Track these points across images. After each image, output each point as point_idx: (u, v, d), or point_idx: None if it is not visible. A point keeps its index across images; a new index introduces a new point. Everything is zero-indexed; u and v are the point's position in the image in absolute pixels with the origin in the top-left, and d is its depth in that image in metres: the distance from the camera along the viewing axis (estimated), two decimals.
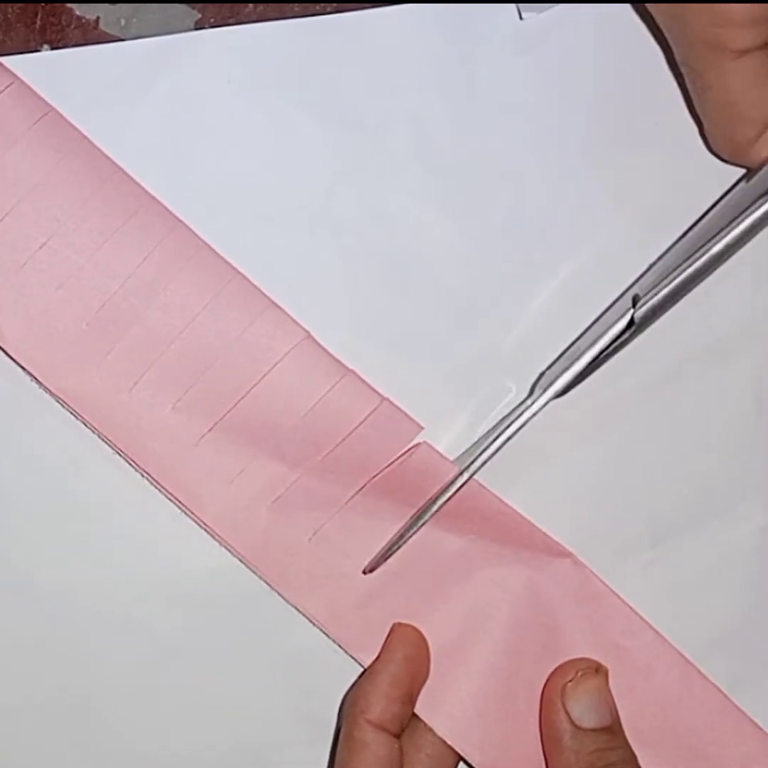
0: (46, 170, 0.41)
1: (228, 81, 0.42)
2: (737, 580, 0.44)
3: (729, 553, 0.44)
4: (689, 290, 0.40)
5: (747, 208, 0.39)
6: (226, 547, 0.42)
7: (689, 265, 0.39)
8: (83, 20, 0.43)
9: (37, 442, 0.43)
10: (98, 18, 0.43)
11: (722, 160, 0.41)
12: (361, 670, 0.43)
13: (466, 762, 0.42)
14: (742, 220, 0.39)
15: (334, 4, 0.43)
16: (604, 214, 0.43)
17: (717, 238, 0.39)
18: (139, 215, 0.41)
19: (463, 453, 0.42)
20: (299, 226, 0.43)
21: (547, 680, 0.42)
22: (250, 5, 0.43)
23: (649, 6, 0.40)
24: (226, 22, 0.43)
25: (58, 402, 0.42)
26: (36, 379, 0.41)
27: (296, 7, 0.42)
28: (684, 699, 0.43)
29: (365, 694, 0.41)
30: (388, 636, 0.42)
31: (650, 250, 0.42)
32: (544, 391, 0.40)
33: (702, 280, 0.39)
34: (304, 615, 0.43)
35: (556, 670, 0.42)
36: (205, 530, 0.42)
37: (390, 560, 0.42)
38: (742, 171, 0.42)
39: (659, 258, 0.42)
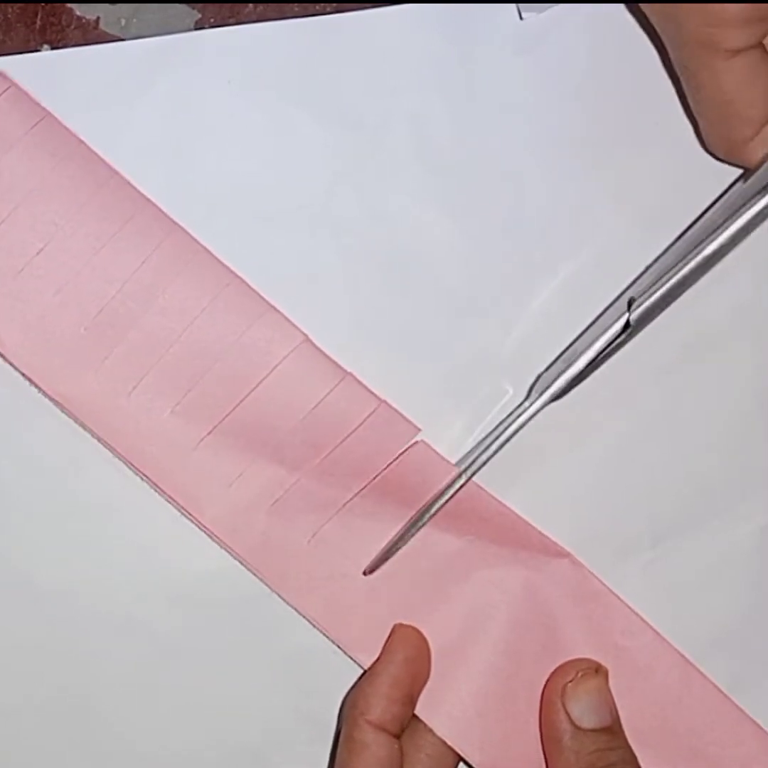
0: (42, 175, 0.41)
1: (228, 81, 0.42)
2: (737, 580, 0.44)
3: (729, 553, 0.44)
4: (684, 291, 0.40)
5: (740, 208, 0.39)
6: (225, 549, 0.42)
7: (683, 267, 0.39)
8: (83, 20, 0.43)
9: (37, 442, 0.43)
10: (98, 18, 0.43)
11: (718, 159, 0.41)
12: (361, 670, 0.43)
13: (466, 762, 0.42)
14: (735, 221, 0.39)
15: (334, 4, 0.43)
16: (604, 214, 0.43)
17: (710, 239, 0.39)
18: (136, 219, 0.41)
19: (462, 456, 0.42)
20: (299, 226, 0.43)
21: (547, 680, 0.42)
22: (250, 5, 0.43)
23: (643, 6, 0.40)
24: (226, 22, 0.43)
25: (57, 406, 0.42)
26: (34, 384, 0.42)
27: (296, 7, 0.42)
28: (684, 699, 0.43)
29: (365, 695, 0.41)
30: (389, 637, 0.42)
31: (650, 250, 0.42)
32: (541, 393, 0.41)
33: (697, 280, 0.40)
34: (303, 616, 0.43)
35: (556, 670, 0.42)
36: (205, 532, 0.42)
37: (389, 562, 0.42)
38: (741, 169, 0.42)
39: (655, 260, 0.42)
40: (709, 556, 0.44)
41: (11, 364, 0.41)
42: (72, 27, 0.42)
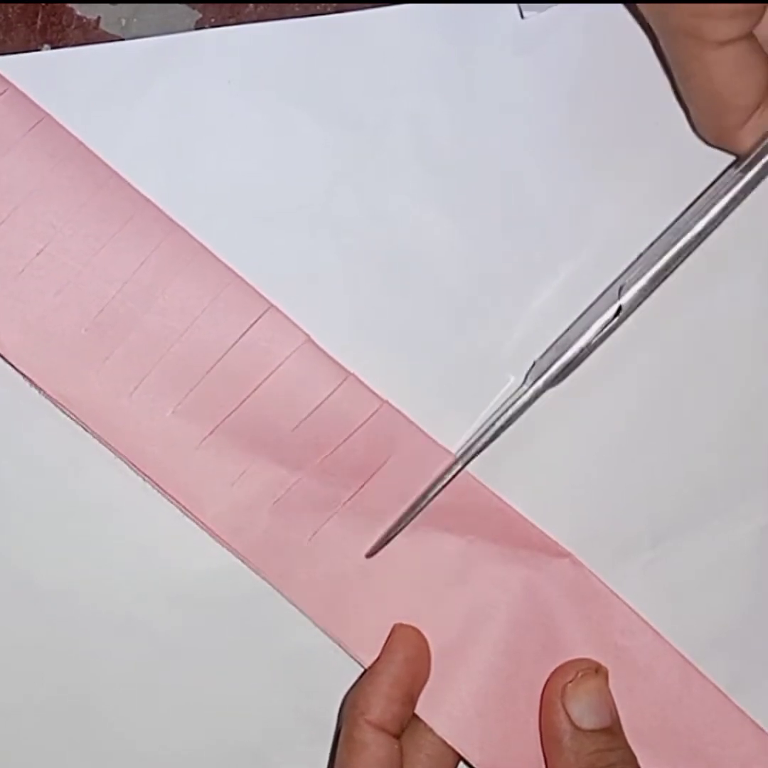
0: (41, 176, 0.41)
1: (228, 81, 0.42)
2: (737, 580, 0.44)
3: (729, 553, 0.44)
4: (671, 273, 0.40)
5: (723, 191, 0.39)
6: (226, 548, 0.42)
7: (669, 249, 0.40)
8: (84, 20, 0.43)
9: (37, 442, 0.43)
10: (99, 18, 0.43)
11: (709, 144, 0.41)
12: (362, 670, 0.43)
13: (466, 762, 0.42)
14: (717, 202, 0.39)
15: (334, 4, 0.43)
16: (604, 214, 0.43)
17: (694, 221, 0.40)
18: (136, 220, 0.41)
19: (461, 445, 0.43)
20: (299, 226, 0.43)
21: (548, 681, 0.42)
22: (250, 5, 0.43)
23: None
24: (226, 22, 0.43)
25: (58, 406, 0.42)
26: (35, 384, 0.42)
27: (296, 7, 0.42)
28: (683, 699, 0.43)
29: (365, 694, 0.41)
30: (389, 637, 0.42)
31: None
32: (536, 380, 0.41)
33: (682, 261, 0.40)
34: (304, 615, 0.43)
35: (556, 670, 0.42)
36: (206, 531, 0.42)
37: (390, 560, 0.42)
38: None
39: (646, 249, 0.42)
40: (709, 556, 0.44)
41: (11, 365, 0.41)
42: (72, 27, 0.42)
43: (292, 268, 0.43)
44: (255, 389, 0.41)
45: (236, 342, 0.41)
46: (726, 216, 0.39)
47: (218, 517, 0.42)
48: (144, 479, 0.42)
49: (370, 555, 0.42)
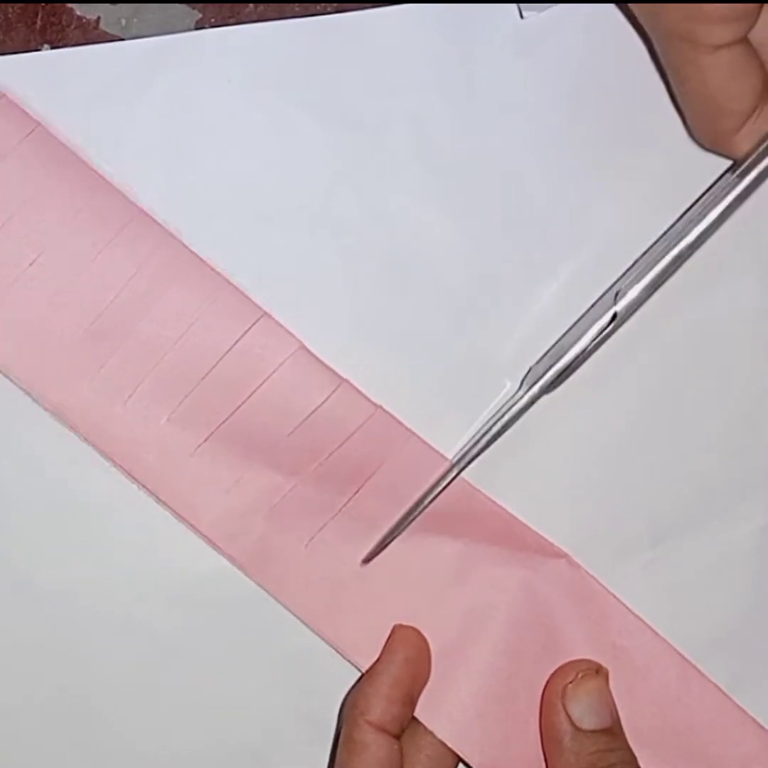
0: (35, 185, 0.41)
1: (228, 81, 0.42)
2: (737, 580, 0.44)
3: (729, 553, 0.44)
4: (667, 279, 0.40)
5: (719, 197, 0.39)
6: (223, 555, 0.42)
7: (665, 256, 0.40)
8: (83, 20, 0.43)
9: (37, 442, 0.43)
10: (98, 18, 0.43)
11: (705, 148, 0.41)
12: (361, 671, 0.43)
13: (465, 763, 0.42)
14: (712, 209, 0.39)
15: (334, 4, 0.42)
16: (604, 214, 0.43)
17: (690, 227, 0.39)
18: (130, 227, 0.41)
19: (456, 451, 0.42)
20: (299, 226, 0.43)
21: (548, 681, 0.42)
22: (250, 5, 0.43)
23: (628, 2, 0.39)
24: (226, 22, 0.42)
25: (52, 415, 0.42)
26: (30, 394, 0.42)
27: (296, 7, 0.42)
28: (682, 698, 0.43)
29: (365, 695, 0.41)
30: (389, 637, 0.42)
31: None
32: (532, 386, 0.41)
33: (679, 267, 0.40)
34: (301, 621, 0.43)
35: (556, 671, 0.42)
36: (202, 537, 0.42)
37: (386, 565, 0.42)
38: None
39: (642, 255, 0.42)
40: (709, 556, 0.44)
41: (5, 375, 0.41)
42: (72, 27, 0.42)
43: (292, 268, 0.43)
44: (249, 396, 0.41)
45: (230, 349, 0.41)
46: (722, 222, 0.39)
47: (214, 524, 0.42)
48: (139, 487, 0.42)
49: (365, 561, 0.42)
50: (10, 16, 0.42)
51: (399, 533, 0.42)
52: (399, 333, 0.43)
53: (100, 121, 0.42)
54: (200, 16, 0.43)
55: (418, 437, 0.42)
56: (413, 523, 0.42)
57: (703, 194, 0.42)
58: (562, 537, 0.43)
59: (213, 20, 0.43)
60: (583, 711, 0.41)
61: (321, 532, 0.42)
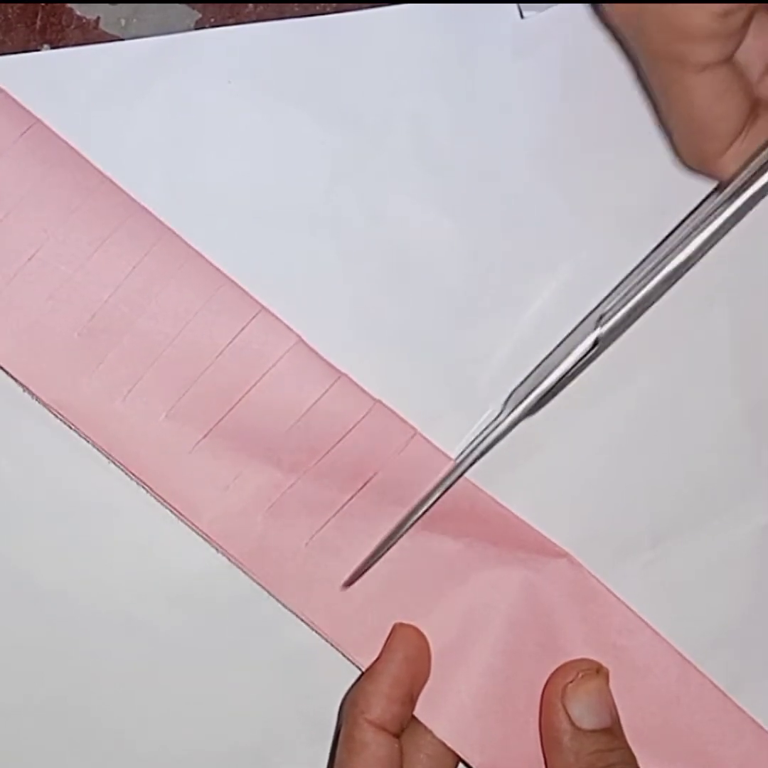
0: (33, 182, 0.41)
1: (228, 81, 0.42)
2: (737, 580, 0.44)
3: (729, 553, 0.44)
4: (651, 305, 0.40)
5: (705, 221, 0.39)
6: (222, 553, 0.42)
7: (648, 282, 0.39)
8: (83, 20, 0.43)
9: (37, 442, 0.43)
10: (98, 18, 0.43)
11: (691, 170, 0.41)
12: (361, 670, 0.43)
13: (465, 763, 0.42)
14: (699, 234, 0.39)
15: (334, 4, 0.42)
16: (605, 214, 0.43)
17: (675, 253, 0.39)
18: (128, 224, 0.41)
19: (458, 453, 0.42)
20: (299, 226, 0.43)
21: (548, 681, 0.42)
22: (250, 5, 0.43)
23: (613, 21, 0.39)
24: (226, 22, 0.42)
25: (51, 412, 0.42)
26: (29, 390, 0.41)
27: (296, 7, 0.42)
28: (682, 697, 0.43)
29: (366, 694, 0.41)
30: (389, 636, 0.42)
31: (649, 250, 0.43)
32: (513, 410, 0.41)
33: (663, 293, 0.39)
34: (301, 620, 0.43)
35: (556, 670, 0.42)
36: (201, 535, 0.42)
37: (385, 566, 0.42)
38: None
39: (625, 278, 0.42)
40: (709, 556, 0.44)
41: (5, 370, 0.41)
42: (72, 27, 0.42)
43: (292, 267, 0.43)
44: (247, 391, 0.41)
45: (228, 345, 0.41)
46: (709, 247, 0.39)
47: (213, 522, 0.42)
48: (138, 484, 0.42)
49: (346, 585, 0.42)
50: (10, 16, 0.42)
51: (383, 554, 0.42)
52: (399, 333, 0.43)
53: (100, 121, 0.42)
54: (200, 16, 0.43)
55: (420, 434, 0.42)
56: (416, 523, 0.41)
57: (688, 216, 0.42)
58: (562, 537, 0.43)
59: (213, 20, 0.43)
60: (582, 711, 0.41)
61: (321, 532, 0.42)
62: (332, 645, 0.43)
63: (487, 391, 0.43)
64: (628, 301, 0.39)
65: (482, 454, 0.41)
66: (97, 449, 0.42)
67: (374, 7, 0.42)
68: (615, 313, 0.40)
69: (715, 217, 0.38)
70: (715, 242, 0.39)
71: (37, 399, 0.42)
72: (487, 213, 0.43)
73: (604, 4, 0.38)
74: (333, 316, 0.43)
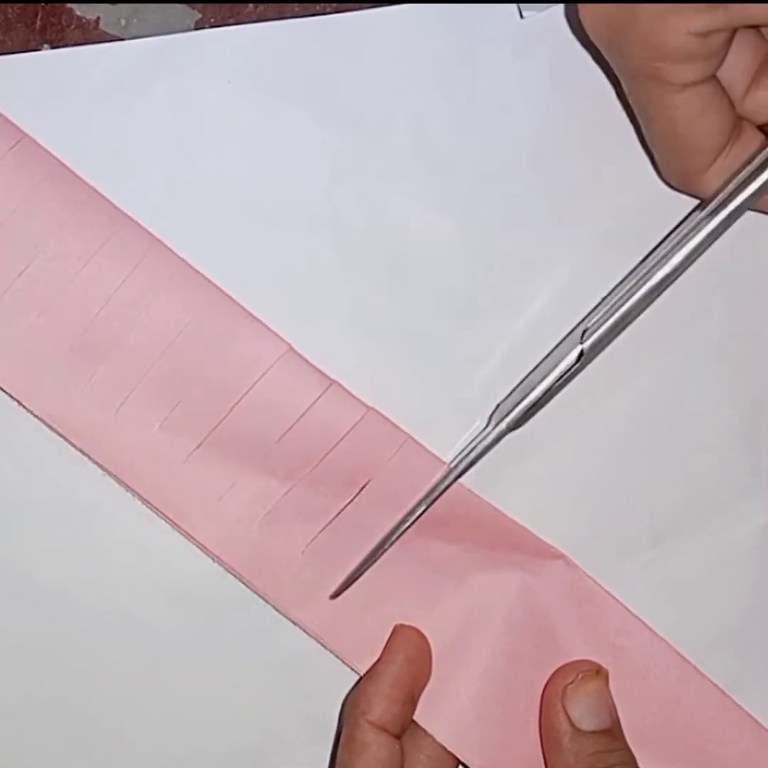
0: (21, 197, 0.41)
1: (228, 81, 0.42)
2: (737, 580, 0.44)
3: (729, 553, 0.44)
4: (635, 319, 0.40)
5: (686, 237, 0.39)
6: (219, 564, 0.42)
7: (632, 296, 0.40)
8: (83, 20, 0.43)
9: (37, 442, 0.43)
10: (98, 18, 0.43)
11: (675, 189, 0.41)
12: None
13: (465, 764, 0.42)
14: (680, 249, 0.39)
15: (334, 4, 0.42)
16: (606, 214, 0.43)
17: (658, 267, 0.39)
18: (117, 237, 0.41)
19: (453, 457, 0.42)
20: (299, 226, 0.43)
21: (547, 682, 0.42)
22: (250, 5, 0.43)
23: (595, 41, 0.38)
24: (226, 22, 0.42)
25: (45, 425, 0.42)
26: (22, 405, 0.42)
27: (296, 7, 0.42)
28: (681, 697, 0.43)
29: (366, 695, 0.41)
30: (390, 637, 0.42)
31: (649, 250, 0.43)
32: (498, 423, 0.41)
33: (647, 307, 0.40)
34: (299, 627, 0.43)
35: (556, 672, 0.42)
36: (197, 545, 0.42)
37: (382, 572, 0.42)
38: None
39: (609, 293, 0.42)
40: (709, 556, 0.44)
41: None
42: (72, 27, 0.42)
43: (292, 268, 0.43)
44: (239, 400, 0.41)
45: (220, 354, 0.41)
46: (691, 262, 0.39)
47: (208, 531, 0.42)
48: (133, 495, 0.42)
49: (333, 596, 0.42)
50: (10, 16, 0.42)
51: (366, 569, 0.42)
52: (399, 333, 0.43)
53: (100, 121, 0.42)
54: (200, 16, 0.43)
55: (414, 440, 0.42)
56: (411, 528, 0.41)
57: (672, 232, 0.42)
58: (562, 537, 0.43)
59: (213, 20, 0.43)
60: (582, 712, 0.41)
61: (317, 539, 0.42)
62: (330, 652, 0.43)
63: (487, 390, 0.43)
64: (612, 315, 0.40)
65: (470, 465, 0.41)
66: (92, 462, 0.42)
67: (374, 7, 0.42)
68: (599, 327, 0.40)
69: (696, 233, 0.39)
70: (696, 257, 0.39)
71: (31, 413, 0.42)
72: (487, 213, 0.43)
73: (584, 24, 0.38)
74: (333, 315, 0.43)
